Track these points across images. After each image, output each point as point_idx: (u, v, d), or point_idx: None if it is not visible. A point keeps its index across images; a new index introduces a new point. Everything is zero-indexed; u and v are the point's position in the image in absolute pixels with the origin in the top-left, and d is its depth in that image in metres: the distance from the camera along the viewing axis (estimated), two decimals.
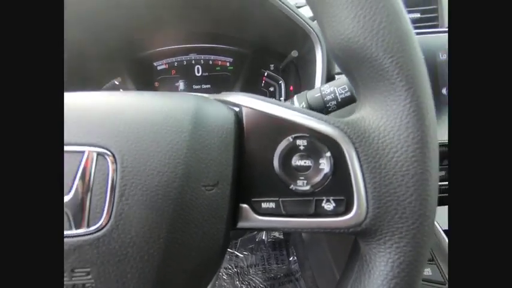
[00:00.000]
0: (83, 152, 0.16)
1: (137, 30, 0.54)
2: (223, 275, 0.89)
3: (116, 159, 0.16)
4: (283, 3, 0.40)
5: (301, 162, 0.19)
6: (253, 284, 0.88)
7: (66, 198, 0.15)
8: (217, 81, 0.64)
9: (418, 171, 0.16)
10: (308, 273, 0.78)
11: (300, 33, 0.43)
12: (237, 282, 0.88)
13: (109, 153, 0.16)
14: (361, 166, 0.17)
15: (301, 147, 0.19)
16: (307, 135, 0.19)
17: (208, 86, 0.64)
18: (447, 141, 0.41)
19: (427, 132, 0.16)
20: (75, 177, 0.16)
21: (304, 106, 0.32)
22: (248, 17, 0.47)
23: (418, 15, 0.44)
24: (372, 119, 0.18)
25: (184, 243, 0.17)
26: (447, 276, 0.38)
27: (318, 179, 0.18)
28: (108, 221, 0.15)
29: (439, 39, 0.41)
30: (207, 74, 0.64)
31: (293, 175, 0.19)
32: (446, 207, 0.37)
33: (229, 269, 0.91)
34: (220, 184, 0.18)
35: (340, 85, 0.30)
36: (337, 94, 0.30)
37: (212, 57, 0.63)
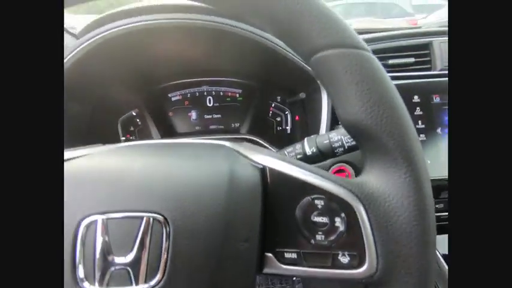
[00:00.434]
0: (142, 218, 0.19)
1: (157, 67, 0.58)
2: None
3: (168, 223, 0.19)
4: (291, 53, 0.44)
5: (320, 219, 0.22)
6: None
7: (128, 258, 0.19)
8: (228, 111, 0.68)
9: (420, 233, 0.19)
10: None
11: (307, 76, 0.48)
12: None
13: (163, 218, 0.19)
14: (371, 225, 0.21)
15: (319, 206, 0.22)
16: (324, 196, 0.22)
17: (219, 115, 0.68)
18: (445, 176, 0.45)
19: (425, 201, 0.20)
20: (135, 240, 0.19)
21: (314, 150, 0.36)
22: (260, 59, 0.52)
23: (412, 59, 0.48)
24: (378, 184, 0.21)
25: None
26: None
27: (334, 235, 0.22)
28: (162, 278, 0.19)
29: (433, 83, 0.45)
30: (218, 104, 0.68)
31: (312, 230, 0.22)
32: (445, 235, 0.40)
33: None
34: (250, 238, 0.22)
35: (346, 134, 0.33)
36: (344, 142, 0.34)
37: (223, 88, 0.68)
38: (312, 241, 0.22)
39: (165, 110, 0.67)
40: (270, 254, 0.23)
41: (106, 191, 0.20)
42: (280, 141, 0.68)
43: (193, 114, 0.68)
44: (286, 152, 0.38)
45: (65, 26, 0.48)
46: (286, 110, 0.67)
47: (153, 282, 0.19)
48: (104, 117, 0.60)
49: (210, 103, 0.68)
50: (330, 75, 0.21)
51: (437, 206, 0.44)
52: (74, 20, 0.56)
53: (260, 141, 0.54)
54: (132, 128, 0.65)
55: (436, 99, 0.44)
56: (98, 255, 0.19)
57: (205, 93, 0.68)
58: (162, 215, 0.20)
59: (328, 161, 0.38)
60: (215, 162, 0.24)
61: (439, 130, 0.44)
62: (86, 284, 0.18)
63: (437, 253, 0.46)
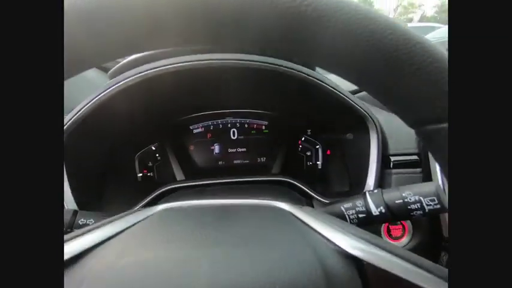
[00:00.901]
0: None
1: (179, 101, 0.54)
2: None
3: None
4: (337, 90, 0.40)
5: None
6: None
7: None
8: (253, 145, 0.63)
9: None
10: None
11: (353, 116, 0.43)
12: None
13: None
14: None
15: None
16: None
17: (244, 149, 0.63)
18: None
19: None
20: None
21: (383, 211, 0.30)
22: (300, 96, 0.48)
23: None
24: None
25: None
26: None
27: None
28: None
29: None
30: (242, 137, 0.63)
31: None
32: None
33: None
34: None
35: (427, 195, 0.28)
36: (424, 205, 0.28)
37: (248, 120, 0.63)
38: None
39: (186, 143, 0.62)
40: None
41: None
42: (310, 177, 0.62)
43: (216, 148, 0.63)
44: (343, 208, 0.33)
45: None
46: (317, 143, 0.62)
47: None
48: (121, 154, 0.56)
49: (234, 136, 0.63)
50: (442, 151, 0.17)
51: None
52: None
53: (296, 184, 0.48)
54: (150, 164, 0.60)
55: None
56: None
57: (229, 125, 0.63)
58: None
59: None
60: (298, 253, 0.18)
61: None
62: None
63: None
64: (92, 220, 0.32)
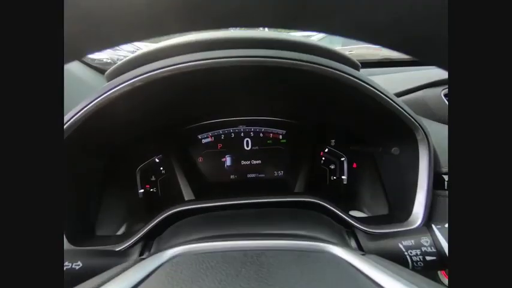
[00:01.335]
0: None
1: (185, 106, 0.47)
2: None
3: None
4: (389, 97, 0.32)
5: None
6: None
7: None
8: (269, 156, 0.56)
9: None
10: None
11: (398, 125, 0.36)
12: None
13: None
14: None
15: None
16: None
17: (259, 161, 0.56)
18: None
19: None
20: None
21: None
22: (329, 100, 0.40)
23: None
24: None
25: None
26: None
27: None
28: None
29: None
30: (257, 147, 0.56)
31: None
32: None
33: None
34: None
35: None
36: None
37: (263, 129, 0.56)
38: None
39: (194, 154, 0.55)
40: None
41: None
42: (334, 192, 0.55)
43: (228, 160, 0.56)
44: (402, 247, 0.25)
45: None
46: (342, 156, 0.54)
47: None
48: (120, 167, 0.49)
49: (247, 146, 0.56)
50: None
51: None
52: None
53: (331, 208, 0.38)
54: (153, 178, 0.53)
55: None
56: None
57: (242, 135, 0.56)
58: None
59: None
60: None
61: None
62: None
63: None
64: (79, 264, 0.25)
